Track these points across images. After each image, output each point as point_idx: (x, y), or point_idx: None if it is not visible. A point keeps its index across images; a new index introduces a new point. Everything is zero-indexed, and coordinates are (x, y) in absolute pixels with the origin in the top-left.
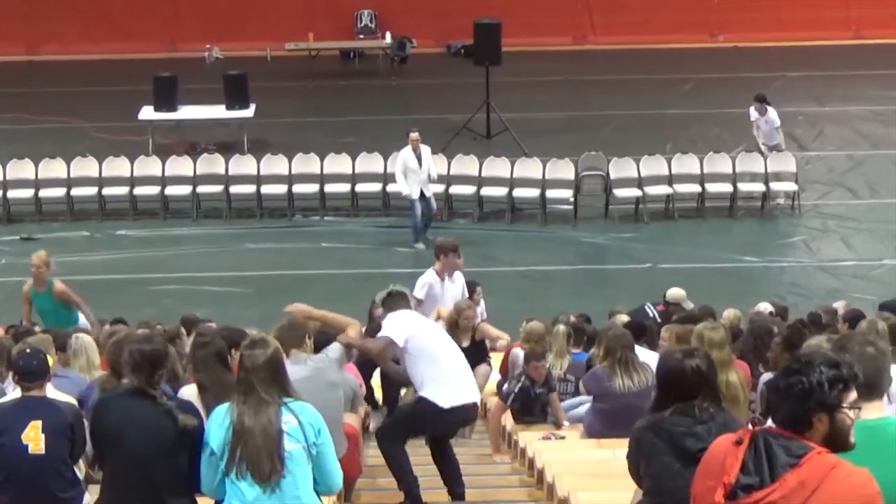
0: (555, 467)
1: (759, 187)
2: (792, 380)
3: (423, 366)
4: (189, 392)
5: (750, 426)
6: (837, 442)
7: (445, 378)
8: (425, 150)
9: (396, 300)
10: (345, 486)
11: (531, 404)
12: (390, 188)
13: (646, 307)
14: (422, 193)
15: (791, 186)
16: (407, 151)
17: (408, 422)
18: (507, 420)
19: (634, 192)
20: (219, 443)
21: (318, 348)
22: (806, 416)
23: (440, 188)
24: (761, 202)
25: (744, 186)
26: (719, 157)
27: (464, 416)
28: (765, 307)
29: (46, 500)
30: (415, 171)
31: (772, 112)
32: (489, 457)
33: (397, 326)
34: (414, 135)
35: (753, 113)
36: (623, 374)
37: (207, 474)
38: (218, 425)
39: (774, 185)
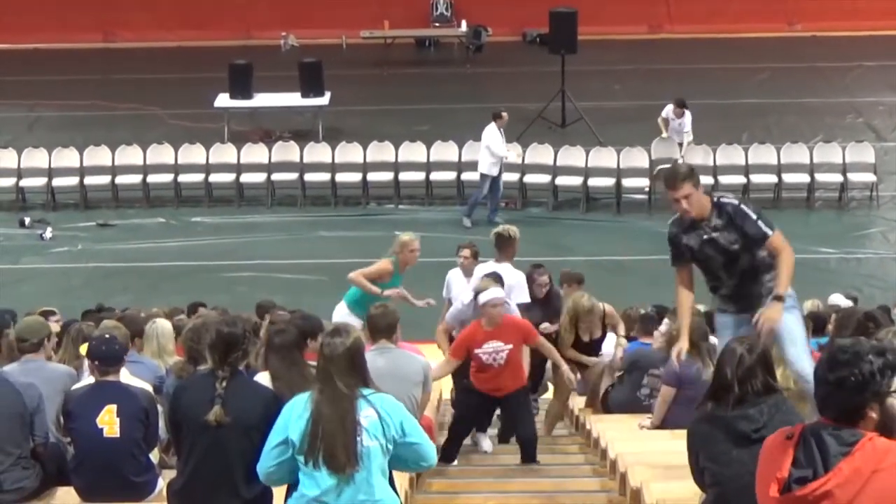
0: (627, 458)
1: (836, 178)
2: (842, 372)
3: None
4: (262, 380)
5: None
6: (887, 428)
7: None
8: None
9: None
10: (417, 475)
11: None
12: (465, 177)
13: None
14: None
15: (869, 177)
16: (498, 130)
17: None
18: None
19: (709, 182)
20: (299, 434)
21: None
22: (860, 407)
23: (514, 177)
24: (839, 193)
25: (821, 177)
26: (796, 146)
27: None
28: (838, 299)
29: (120, 483)
30: (501, 149)
31: (688, 116)
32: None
33: None
34: (506, 114)
35: (668, 113)
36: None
37: (268, 458)
38: (297, 416)
39: (852, 176)
